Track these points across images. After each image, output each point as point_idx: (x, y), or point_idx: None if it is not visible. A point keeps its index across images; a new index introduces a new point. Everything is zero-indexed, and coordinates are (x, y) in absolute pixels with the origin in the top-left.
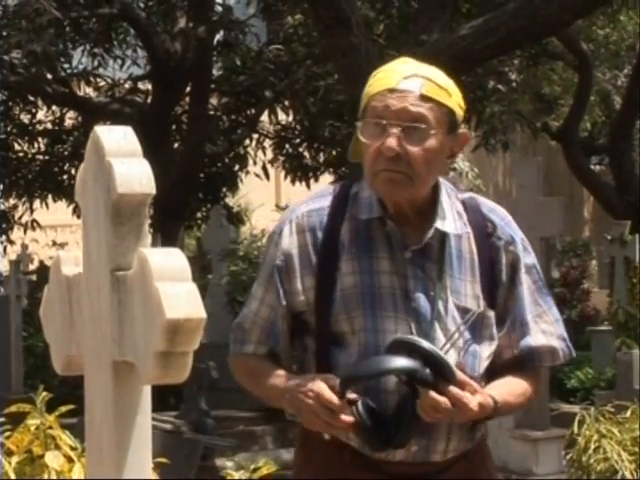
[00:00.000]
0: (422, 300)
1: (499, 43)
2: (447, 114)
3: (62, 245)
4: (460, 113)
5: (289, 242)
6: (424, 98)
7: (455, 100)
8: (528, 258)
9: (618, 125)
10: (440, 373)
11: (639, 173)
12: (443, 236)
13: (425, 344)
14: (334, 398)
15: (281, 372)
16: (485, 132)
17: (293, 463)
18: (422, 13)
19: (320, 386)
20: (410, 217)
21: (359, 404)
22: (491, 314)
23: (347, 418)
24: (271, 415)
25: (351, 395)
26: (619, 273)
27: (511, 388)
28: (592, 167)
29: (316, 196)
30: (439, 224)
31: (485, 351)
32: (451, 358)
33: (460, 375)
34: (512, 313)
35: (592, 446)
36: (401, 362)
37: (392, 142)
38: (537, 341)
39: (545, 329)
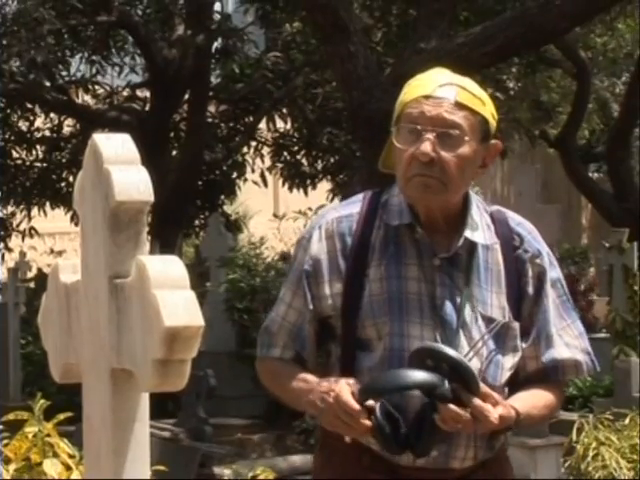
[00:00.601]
0: (448, 308)
1: (497, 51)
2: (481, 122)
3: (60, 253)
4: (493, 123)
5: (318, 247)
6: (459, 106)
7: (489, 109)
8: (554, 272)
9: (616, 133)
10: (464, 382)
11: (637, 181)
12: (472, 246)
13: (451, 352)
14: (353, 402)
15: (306, 375)
16: None
17: (313, 464)
18: (420, 21)
19: (342, 388)
20: (440, 225)
21: (377, 409)
22: (516, 325)
23: (365, 422)
24: (269, 423)
25: (370, 402)
26: (617, 281)
27: (535, 400)
28: (590, 175)
29: (346, 203)
30: (469, 234)
31: (508, 362)
32: (474, 367)
33: (483, 387)
34: (537, 326)
35: (590, 453)
36: (420, 376)
37: (427, 147)
38: (562, 354)
39: (569, 342)
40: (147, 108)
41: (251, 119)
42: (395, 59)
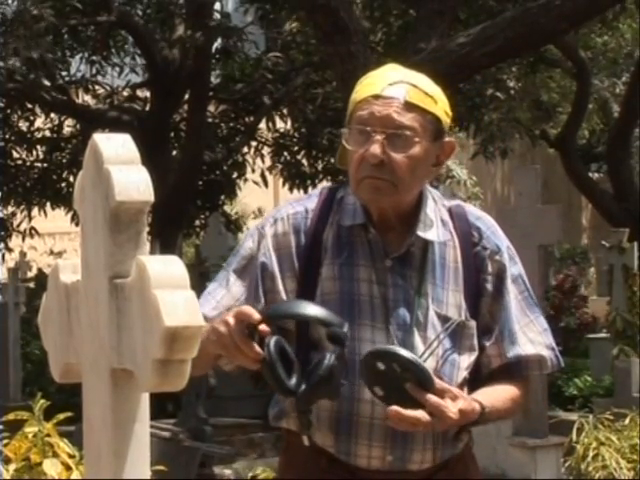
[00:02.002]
0: (401, 309)
1: (497, 51)
2: (432, 122)
3: (60, 254)
4: (446, 120)
5: (274, 242)
6: (409, 105)
7: (441, 107)
8: (514, 268)
9: (616, 133)
10: (418, 381)
11: (637, 181)
12: (426, 244)
13: (402, 352)
14: (255, 312)
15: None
16: (484, 140)
17: (278, 464)
18: (420, 21)
19: (244, 307)
20: (394, 225)
21: (271, 342)
22: (472, 324)
23: (257, 348)
24: (269, 423)
25: (265, 328)
26: (617, 281)
27: (499, 394)
28: (590, 175)
29: (302, 198)
30: (421, 232)
31: (464, 361)
32: (429, 366)
33: (439, 383)
34: (500, 323)
35: (590, 454)
36: (319, 311)
37: (376, 149)
38: (526, 350)
39: (533, 338)
40: (147, 108)
41: (251, 119)
42: (395, 59)
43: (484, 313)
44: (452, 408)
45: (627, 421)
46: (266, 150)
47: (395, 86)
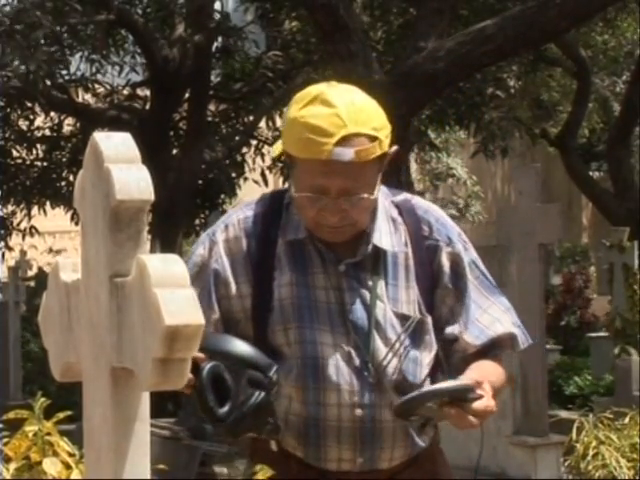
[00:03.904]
0: (359, 312)
1: (497, 50)
2: (380, 159)
3: (58, 251)
4: (388, 141)
5: (225, 248)
6: (359, 164)
7: (384, 137)
8: (467, 255)
9: (617, 132)
10: (463, 399)
11: (638, 179)
12: (378, 249)
13: (445, 385)
14: None
15: None
16: (484, 138)
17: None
18: (420, 20)
19: None
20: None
21: (205, 369)
22: (429, 320)
23: (190, 375)
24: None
25: (200, 355)
26: (617, 280)
27: (488, 370)
28: (591, 173)
29: (251, 203)
30: (376, 240)
31: (426, 357)
32: (392, 366)
33: (467, 377)
34: (464, 311)
35: (591, 453)
36: (246, 351)
37: (333, 220)
38: (496, 331)
39: (500, 318)
40: (147, 107)
41: (251, 118)
42: (395, 58)
43: (441, 305)
44: (491, 401)
45: (627, 420)
46: (266, 149)
47: (341, 146)
